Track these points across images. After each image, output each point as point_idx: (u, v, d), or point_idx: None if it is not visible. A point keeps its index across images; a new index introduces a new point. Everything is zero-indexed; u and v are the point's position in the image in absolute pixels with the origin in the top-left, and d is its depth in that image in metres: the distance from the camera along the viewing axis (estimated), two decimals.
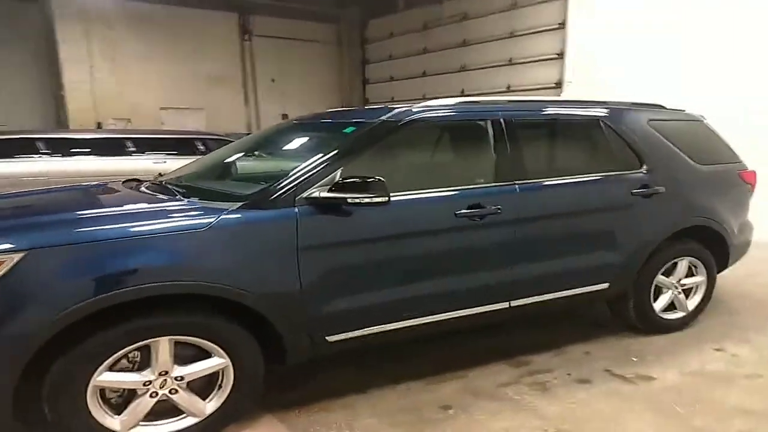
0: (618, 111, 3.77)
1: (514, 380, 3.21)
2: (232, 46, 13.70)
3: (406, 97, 13.11)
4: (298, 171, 2.73)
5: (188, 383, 2.51)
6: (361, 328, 2.83)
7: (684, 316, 4.05)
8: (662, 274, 3.89)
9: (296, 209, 2.61)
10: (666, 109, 4.18)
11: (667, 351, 3.65)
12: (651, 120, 3.86)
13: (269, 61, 14.11)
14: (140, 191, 3.10)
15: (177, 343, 2.45)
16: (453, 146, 3.53)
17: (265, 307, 2.53)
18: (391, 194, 2.60)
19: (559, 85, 9.93)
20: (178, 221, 2.46)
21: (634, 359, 3.52)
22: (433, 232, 2.94)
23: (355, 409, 2.87)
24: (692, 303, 4.10)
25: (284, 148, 3.56)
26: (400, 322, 2.93)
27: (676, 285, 3.96)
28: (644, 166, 3.66)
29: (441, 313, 3.04)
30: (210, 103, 13.32)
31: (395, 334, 2.95)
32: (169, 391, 2.45)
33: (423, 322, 2.98)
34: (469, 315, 3.13)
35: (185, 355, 2.49)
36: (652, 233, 3.67)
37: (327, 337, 2.74)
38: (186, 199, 2.75)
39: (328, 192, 2.63)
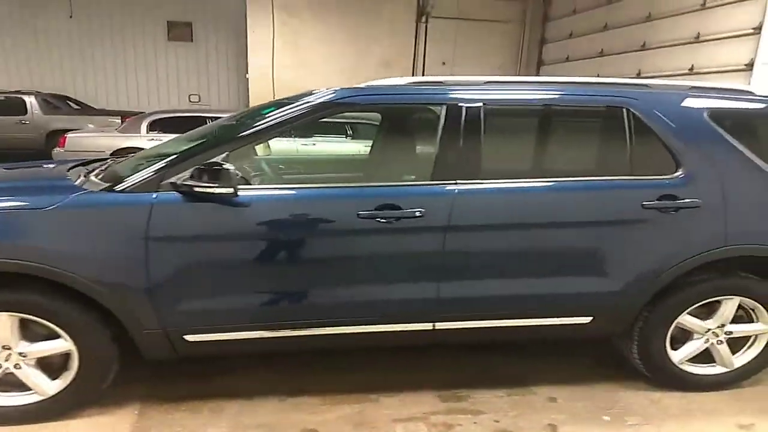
0: (658, 97, 2.88)
1: (420, 416, 2.72)
2: (406, 28, 13.72)
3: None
4: (172, 155, 2.60)
5: (39, 361, 2.54)
6: (226, 332, 2.59)
7: (724, 374, 3.04)
8: (693, 315, 2.95)
9: (154, 196, 2.45)
10: (754, 96, 3.10)
11: (667, 416, 2.79)
12: (714, 110, 2.89)
13: (442, 43, 13.89)
14: (71, 170, 3.13)
15: (26, 321, 2.48)
16: (387, 136, 3.04)
17: (103, 295, 2.43)
18: (278, 185, 2.40)
19: (750, 66, 8.11)
20: (24, 200, 2.48)
21: (606, 418, 2.74)
22: (325, 233, 2.56)
23: (218, 415, 2.69)
24: (742, 358, 3.07)
25: (212, 131, 3.40)
26: (279, 332, 2.62)
27: (717, 332, 2.97)
28: (679, 171, 2.76)
29: (337, 326, 2.65)
30: None
31: (273, 344, 2.66)
32: (14, 366, 2.52)
33: (310, 333, 2.64)
34: (379, 332, 2.70)
35: (38, 333, 2.52)
36: (670, 259, 2.77)
37: (185, 336, 2.56)
38: (68, 180, 2.77)
39: (185, 179, 2.44)
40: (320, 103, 2.67)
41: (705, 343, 3.00)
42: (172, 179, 2.44)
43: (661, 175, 2.77)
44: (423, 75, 14.00)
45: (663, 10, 9.83)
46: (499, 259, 2.69)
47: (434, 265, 2.63)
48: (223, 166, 2.33)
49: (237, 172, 2.36)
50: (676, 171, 2.77)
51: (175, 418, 2.64)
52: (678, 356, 2.99)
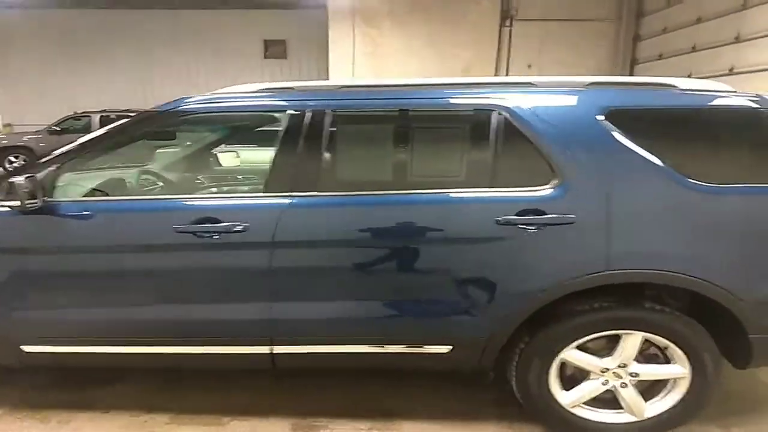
0: (539, 98, 2.52)
1: None
2: (490, 33, 13.31)
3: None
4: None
5: None
6: (57, 345, 2.61)
7: (632, 424, 2.57)
8: (591, 351, 2.54)
9: None
10: (675, 91, 2.62)
11: None
12: (612, 109, 2.46)
13: (528, 46, 13.29)
14: None
15: None
16: (222, 146, 2.91)
17: None
18: (89, 198, 2.48)
19: None
20: None
21: None
22: (139, 248, 2.52)
23: (64, 426, 2.73)
24: (657, 407, 2.56)
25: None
26: (107, 347, 2.61)
27: (619, 372, 2.52)
28: (553, 181, 2.39)
29: (165, 345, 2.59)
30: None
31: (109, 359, 2.66)
32: None
33: (138, 352, 2.60)
34: (212, 354, 2.60)
35: None
36: (535, 284, 2.39)
37: (22, 347, 2.62)
38: None
39: None
40: (158, 113, 2.63)
41: (604, 385, 2.54)
42: None
43: (530, 186, 2.40)
44: None
45: None
46: (334, 280, 2.48)
47: (263, 285, 2.47)
48: (14, 179, 2.35)
49: (27, 185, 2.36)
50: (549, 182, 2.38)
51: (24, 426, 2.72)
52: (568, 398, 2.56)
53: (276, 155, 2.52)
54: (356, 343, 2.53)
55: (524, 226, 2.35)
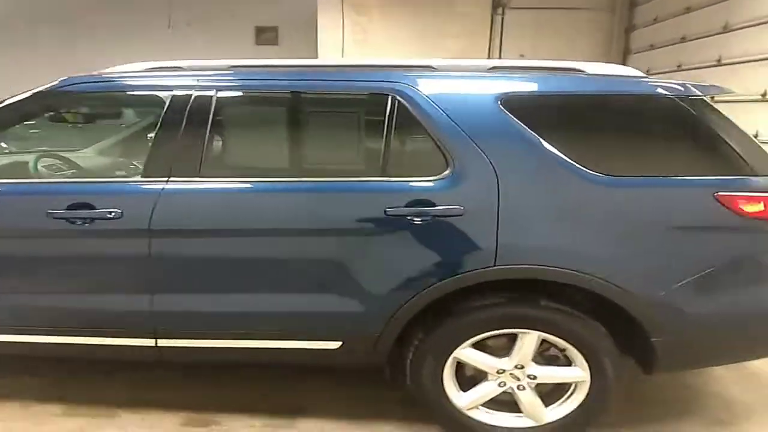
0: (437, 82, 2.39)
1: None
2: (481, 21, 13.06)
3: (660, 68, 10.56)
4: None
5: None
6: None
7: (531, 429, 2.43)
8: (488, 351, 2.42)
9: None
10: (582, 76, 2.48)
11: None
12: (512, 95, 2.32)
13: (521, 35, 13.03)
14: None
15: None
16: (108, 128, 2.80)
17: None
18: None
19: None
20: None
21: None
22: (15, 233, 2.42)
23: None
24: (558, 412, 2.45)
25: None
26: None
27: (517, 374, 2.40)
28: (446, 171, 2.27)
29: (49, 335, 2.51)
30: None
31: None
32: None
33: (20, 341, 2.52)
34: (99, 345, 2.51)
35: None
36: (423, 279, 2.29)
37: None
38: None
39: None
40: (39, 92, 2.52)
41: (500, 387, 2.42)
42: None
43: (423, 176, 2.27)
44: None
45: None
46: (218, 270, 2.37)
47: (142, 275, 2.37)
48: None
49: None
50: (442, 172, 2.25)
51: None
52: (464, 400, 2.45)
53: (156, 137, 2.40)
54: (240, 338, 2.43)
55: (413, 218, 2.23)
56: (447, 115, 2.28)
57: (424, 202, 2.25)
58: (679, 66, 9.79)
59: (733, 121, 2.58)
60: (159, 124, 2.39)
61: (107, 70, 2.60)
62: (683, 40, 9.75)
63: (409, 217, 2.24)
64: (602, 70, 2.51)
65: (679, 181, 2.25)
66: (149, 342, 2.47)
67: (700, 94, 2.32)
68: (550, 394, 2.48)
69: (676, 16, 10.02)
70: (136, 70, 2.56)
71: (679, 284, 2.24)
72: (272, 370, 2.92)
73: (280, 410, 2.72)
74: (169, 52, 15.08)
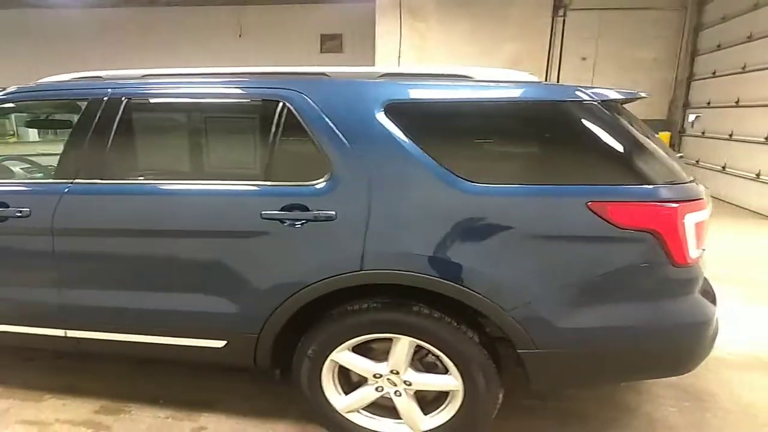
0: (326, 89, 2.46)
1: (54, 421, 2.70)
2: (540, 24, 12.77)
3: (724, 69, 9.87)
4: None
5: None
6: None
7: None
8: (369, 356, 2.45)
9: None
10: (470, 83, 2.47)
11: None
12: (395, 102, 2.35)
13: (582, 37, 12.64)
14: None
15: None
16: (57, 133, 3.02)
17: None
18: None
19: None
20: None
21: None
22: None
23: None
24: (434, 420, 2.43)
25: None
26: None
27: (394, 379, 2.41)
28: (325, 176, 2.33)
29: None
30: None
31: None
32: None
33: None
34: (18, 334, 2.74)
35: None
36: (297, 281, 2.35)
37: None
38: None
39: None
40: None
41: (378, 391, 2.43)
42: None
43: (306, 181, 2.33)
44: (559, 72, 12.93)
45: None
46: (110, 268, 2.54)
47: (48, 270, 2.58)
48: None
49: None
50: (322, 176, 2.31)
51: None
52: (342, 403, 2.48)
53: (68, 141, 2.60)
54: (136, 332, 2.57)
55: (287, 222, 2.30)
56: (330, 122, 2.31)
57: (298, 207, 2.29)
58: (743, 67, 9.11)
59: (636, 126, 2.44)
60: (72, 129, 2.61)
61: (41, 81, 2.84)
62: (750, 38, 9.06)
63: (283, 221, 2.30)
64: (491, 76, 2.44)
65: (551, 190, 2.16)
66: (60, 332, 2.62)
67: (587, 99, 2.21)
68: (432, 402, 2.45)
69: (744, 14, 9.32)
70: (63, 80, 2.79)
71: (547, 296, 2.14)
72: (186, 365, 3.06)
73: (189, 403, 2.81)
74: (239, 59, 15.86)
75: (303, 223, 2.29)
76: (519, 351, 2.22)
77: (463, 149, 2.32)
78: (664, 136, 11.94)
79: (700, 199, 2.16)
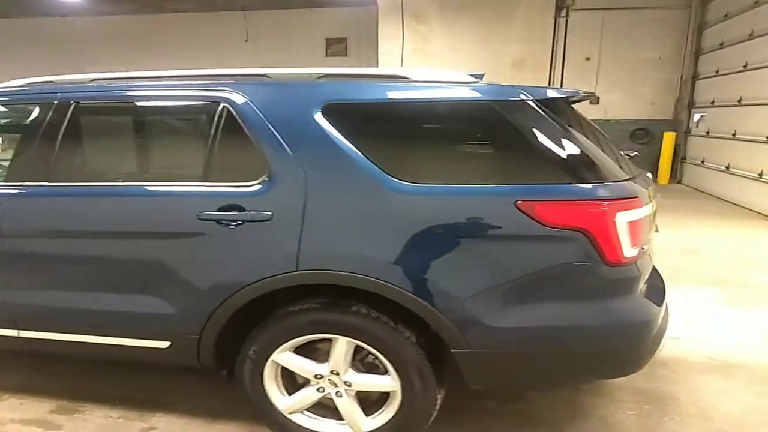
0: (266, 91, 2.48)
1: (10, 421, 2.73)
2: (543, 24, 12.71)
3: (727, 68, 9.73)
4: None
5: None
6: None
7: None
8: (313, 355, 2.46)
9: None
10: (408, 83, 2.47)
11: None
12: (333, 103, 2.35)
13: (586, 38, 12.54)
14: None
15: None
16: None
17: None
18: None
19: None
20: None
21: None
22: None
23: None
24: (375, 422, 2.42)
25: None
26: None
27: (335, 380, 2.41)
28: (262, 177, 2.34)
29: None
30: None
31: None
32: None
33: None
34: None
35: None
36: (234, 282, 2.37)
37: None
38: None
39: None
40: None
41: (319, 392, 2.43)
42: None
43: (240, 181, 2.35)
44: (562, 73, 12.83)
45: None
46: (56, 269, 2.59)
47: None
48: None
49: None
50: (260, 177, 2.32)
51: None
52: (286, 403, 2.48)
53: (17, 145, 2.65)
54: (82, 332, 2.61)
55: (224, 222, 2.31)
56: (269, 123, 2.32)
57: (234, 207, 2.30)
58: (745, 65, 8.98)
59: (578, 126, 2.42)
60: (22, 133, 2.66)
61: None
62: (751, 36, 8.92)
63: (220, 222, 2.31)
64: (428, 77, 2.44)
65: (481, 190, 2.15)
66: (13, 332, 2.66)
67: (518, 98, 2.19)
68: (376, 402, 2.44)
69: (746, 11, 9.18)
70: (17, 85, 2.85)
71: (478, 295, 2.12)
72: (143, 366, 3.09)
73: (144, 403, 2.84)
74: (247, 63, 15.96)
75: (239, 223, 2.30)
76: (453, 350, 2.21)
77: (397, 149, 2.33)
78: (670, 136, 11.82)
79: (633, 197, 2.13)
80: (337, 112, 2.31)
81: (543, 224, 2.07)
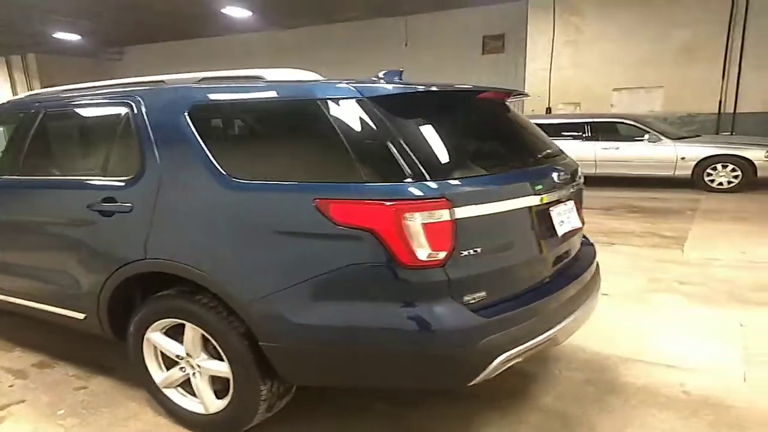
0: (154, 94, 2.73)
1: None
2: (717, 5, 11.11)
3: None
4: None
5: None
6: None
7: (200, 416, 2.59)
8: (175, 337, 2.66)
9: None
10: (261, 84, 2.56)
11: None
12: (197, 105, 2.51)
13: None
14: None
15: None
16: None
17: None
18: None
19: None
20: None
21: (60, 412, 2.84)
22: None
23: None
24: (220, 403, 2.53)
25: None
26: None
27: (192, 363, 2.60)
28: (135, 172, 2.63)
29: None
30: (673, 80, 11.46)
31: None
32: None
33: None
34: None
35: None
36: (107, 266, 2.64)
37: None
38: None
39: None
40: None
41: (181, 371, 2.60)
42: None
43: (120, 176, 2.65)
44: (740, 63, 11.05)
45: None
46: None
47: None
48: None
49: None
50: (134, 173, 2.60)
51: None
52: (159, 378, 2.69)
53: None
54: (34, 300, 3.08)
55: (103, 212, 2.61)
56: (148, 124, 2.55)
57: (110, 199, 2.55)
58: None
59: (403, 123, 2.19)
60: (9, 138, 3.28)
61: (9, 99, 3.55)
62: None
63: (102, 212, 2.59)
64: (281, 77, 2.43)
65: (287, 186, 2.10)
66: None
67: (344, 96, 2.09)
68: (227, 387, 2.49)
69: None
70: (19, 97, 3.49)
71: (281, 291, 2.08)
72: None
73: (91, 365, 3.16)
74: (405, 65, 16.39)
75: (112, 214, 2.57)
76: (260, 344, 2.22)
77: (236, 147, 2.41)
78: None
79: (431, 199, 1.94)
80: (198, 113, 2.43)
81: (333, 223, 1.99)
